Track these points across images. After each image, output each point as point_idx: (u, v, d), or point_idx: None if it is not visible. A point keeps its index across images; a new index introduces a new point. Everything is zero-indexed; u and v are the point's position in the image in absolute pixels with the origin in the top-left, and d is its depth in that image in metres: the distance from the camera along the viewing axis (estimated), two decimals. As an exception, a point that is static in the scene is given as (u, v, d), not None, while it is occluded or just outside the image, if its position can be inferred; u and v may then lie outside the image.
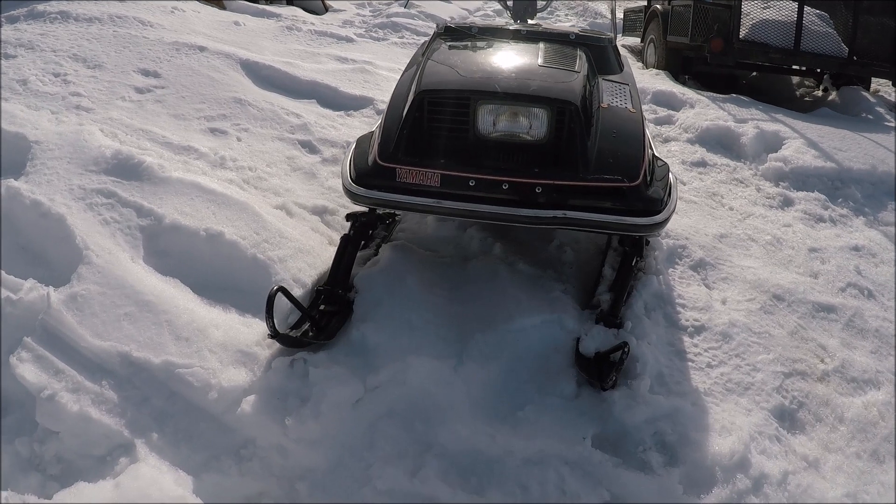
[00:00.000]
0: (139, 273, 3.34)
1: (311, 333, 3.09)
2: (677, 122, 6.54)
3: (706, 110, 6.80)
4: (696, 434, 2.83)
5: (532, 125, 3.15)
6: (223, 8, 8.82)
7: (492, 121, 3.15)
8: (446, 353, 3.06)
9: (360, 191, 3.18)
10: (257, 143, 4.91)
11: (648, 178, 3.24)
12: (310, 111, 5.62)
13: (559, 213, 3.02)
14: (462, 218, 3.15)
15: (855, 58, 7.81)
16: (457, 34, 4.28)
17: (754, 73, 9.47)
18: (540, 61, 3.61)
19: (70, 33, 6.15)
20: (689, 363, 3.27)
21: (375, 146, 3.26)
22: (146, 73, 5.58)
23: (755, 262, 4.19)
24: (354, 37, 8.69)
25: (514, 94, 3.15)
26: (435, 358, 3.01)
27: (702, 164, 5.74)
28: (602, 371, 2.98)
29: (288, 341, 2.93)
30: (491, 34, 4.27)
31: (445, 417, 2.81)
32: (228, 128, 5.00)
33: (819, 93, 9.00)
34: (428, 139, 3.19)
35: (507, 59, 3.58)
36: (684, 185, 5.31)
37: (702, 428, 2.87)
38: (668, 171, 3.52)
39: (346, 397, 2.82)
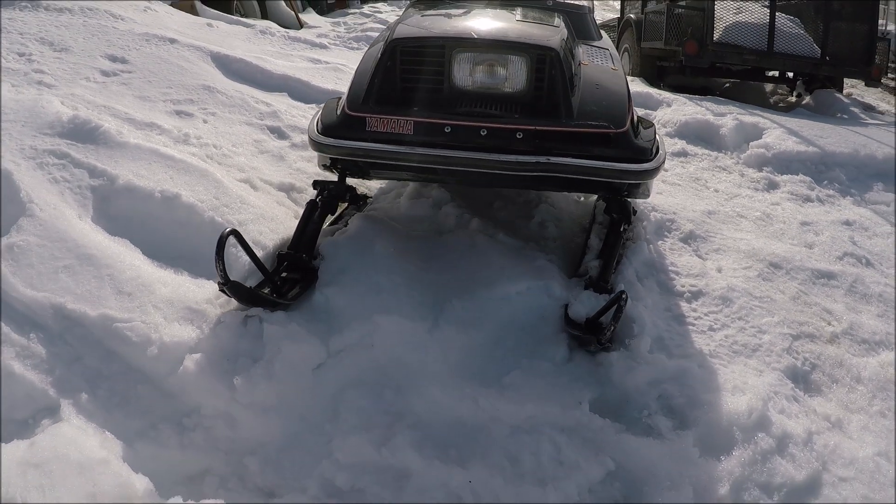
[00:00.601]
0: (85, 229, 2.97)
1: (268, 292, 2.75)
2: (655, 119, 6.35)
3: (683, 107, 6.61)
4: (706, 395, 2.52)
5: (510, 75, 2.92)
6: (196, 14, 8.58)
7: (468, 71, 2.91)
8: (419, 316, 2.73)
9: (328, 140, 2.90)
10: (224, 126, 4.59)
11: (635, 129, 3.03)
12: (280, 102, 5.32)
13: (542, 159, 2.77)
14: (437, 166, 2.86)
15: (827, 58, 7.75)
16: (431, 3, 4.08)
17: (727, 84, 9.42)
18: (518, 18, 3.45)
19: (39, 20, 5.83)
20: (690, 327, 2.98)
21: (344, 98, 3.02)
22: (114, 58, 5.26)
23: (747, 235, 3.95)
24: (328, 44, 8.45)
25: (491, 41, 2.94)
26: (406, 319, 2.67)
27: (683, 154, 5.54)
28: (597, 330, 2.67)
29: (241, 292, 2.55)
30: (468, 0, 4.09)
31: (419, 383, 2.46)
32: (195, 111, 4.68)
33: (793, 98, 8.93)
34: (401, 93, 2.94)
35: (484, 18, 3.37)
36: (666, 171, 5.09)
37: (712, 389, 2.57)
38: (655, 129, 3.31)
39: (306, 359, 2.46)
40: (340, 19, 12.19)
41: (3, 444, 2.07)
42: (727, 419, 2.41)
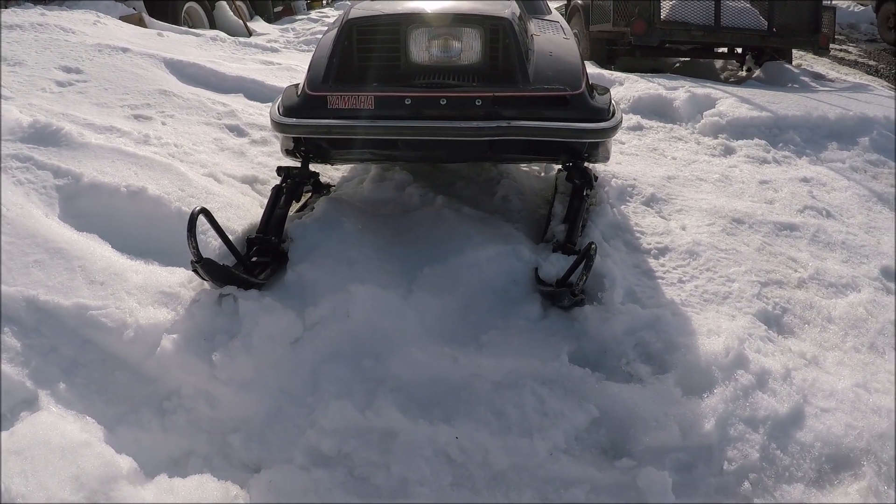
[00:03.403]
0: (53, 226, 2.92)
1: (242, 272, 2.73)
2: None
3: (636, 84, 6.67)
4: (682, 339, 2.54)
5: (465, 48, 2.96)
6: (145, 26, 8.47)
7: (424, 47, 2.95)
8: (393, 284, 2.71)
9: (289, 120, 2.91)
10: (183, 127, 4.54)
11: (590, 90, 3.07)
12: (237, 102, 5.27)
13: (503, 123, 2.79)
14: (400, 138, 2.86)
15: (775, 30, 7.88)
16: None
17: (678, 64, 9.55)
18: None
19: None
20: (660, 280, 3.01)
21: (304, 81, 3.03)
22: (68, 69, 5.17)
23: (708, 196, 3.99)
24: (279, 48, 8.39)
25: (443, 15, 2.96)
26: (380, 287, 2.65)
27: (638, 127, 5.58)
28: (567, 284, 2.67)
29: (214, 269, 2.52)
30: None
31: (398, 348, 2.44)
32: (153, 114, 4.61)
33: (743, 73, 9.07)
34: (359, 72, 2.97)
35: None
36: (623, 143, 5.14)
37: (687, 333, 2.59)
38: (610, 94, 3.35)
39: (283, 332, 2.43)
40: (289, 25, 12.11)
41: None
42: (705, 360, 2.43)
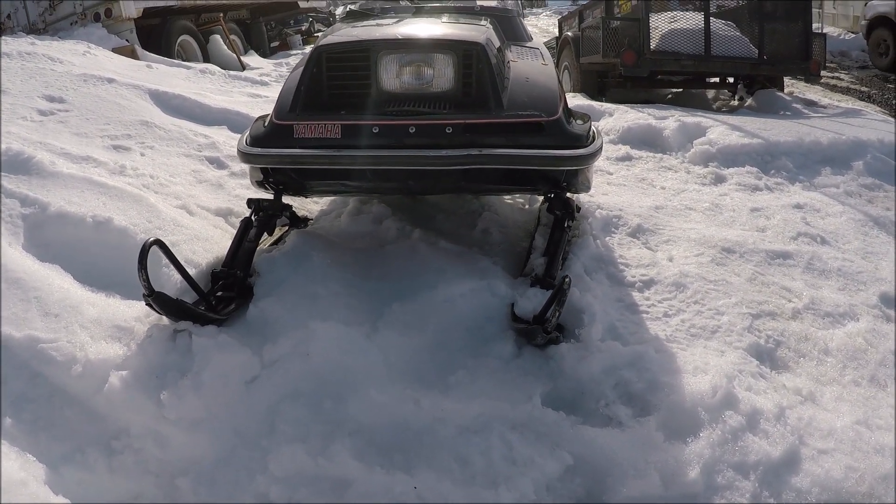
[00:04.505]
0: (14, 255, 2.81)
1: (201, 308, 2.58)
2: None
3: (625, 115, 6.56)
4: (666, 378, 2.36)
5: (437, 75, 2.85)
6: (136, 58, 8.44)
7: (395, 73, 2.85)
8: (357, 321, 2.56)
9: (254, 150, 2.81)
10: (162, 158, 4.43)
11: (567, 117, 2.95)
12: (220, 134, 5.16)
13: (474, 151, 2.65)
14: (367, 167, 2.74)
15: (765, 58, 7.81)
16: (359, 16, 4.04)
17: (670, 95, 9.48)
18: (443, 21, 3.48)
19: None
20: (644, 314, 2.84)
21: (272, 110, 2.93)
22: (51, 98, 5.10)
23: (697, 225, 3.84)
24: (269, 82, 8.30)
25: (415, 41, 2.90)
26: (343, 324, 2.49)
27: (627, 158, 5.45)
28: (542, 320, 2.50)
29: (167, 304, 2.38)
30: (395, 11, 4.07)
31: (358, 389, 2.27)
32: (132, 145, 4.52)
33: (735, 102, 8.98)
34: (328, 100, 2.87)
35: (410, 24, 3.34)
36: (611, 174, 5.00)
37: (672, 371, 2.42)
38: (590, 120, 3.23)
39: (237, 371, 2.29)
40: (283, 60, 12.07)
41: None
42: (690, 400, 2.25)
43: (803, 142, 5.41)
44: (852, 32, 14.56)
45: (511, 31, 3.95)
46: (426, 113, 2.74)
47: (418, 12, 4.05)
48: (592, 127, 3.15)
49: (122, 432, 2.22)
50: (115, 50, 8.30)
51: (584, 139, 2.86)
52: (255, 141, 2.86)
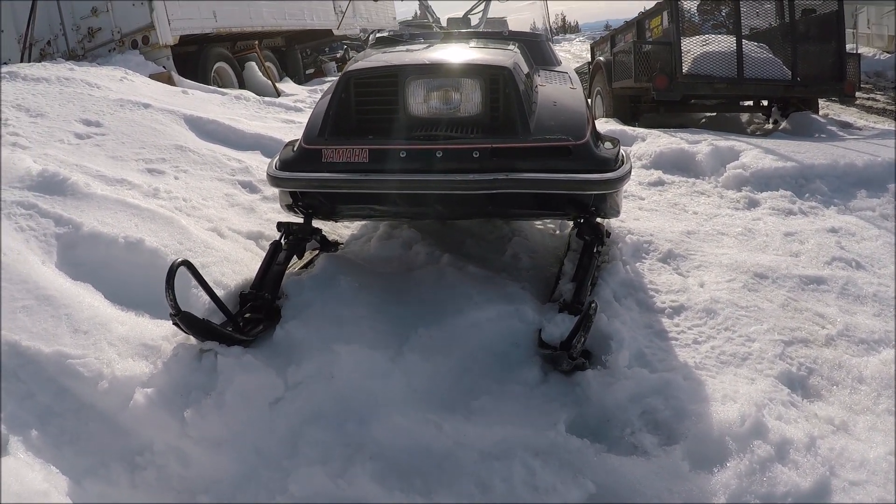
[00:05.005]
0: (47, 273, 2.90)
1: (229, 329, 2.61)
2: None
3: (658, 140, 6.55)
4: (694, 406, 2.32)
5: (465, 100, 2.87)
6: (173, 84, 8.65)
7: (422, 98, 2.87)
8: (382, 345, 2.56)
9: (283, 174, 2.85)
10: (195, 182, 4.52)
11: (595, 141, 2.94)
12: (253, 159, 5.25)
13: (501, 176, 2.65)
14: (395, 192, 2.76)
15: (799, 79, 7.72)
16: (389, 42, 4.10)
17: (703, 119, 9.43)
18: (471, 46, 3.49)
19: (16, 89, 5.87)
20: (673, 341, 2.80)
21: (301, 135, 2.98)
22: (88, 122, 5.25)
23: (729, 250, 3.79)
24: (304, 108, 8.42)
25: (443, 66, 2.91)
26: (368, 348, 2.50)
27: (660, 183, 5.43)
28: (568, 346, 2.49)
29: (194, 323, 2.42)
30: (424, 37, 4.12)
31: (381, 413, 2.27)
32: (167, 169, 4.62)
33: (769, 126, 8.90)
34: (356, 124, 2.90)
35: (439, 50, 3.37)
36: (642, 199, 4.97)
37: (700, 399, 2.37)
38: (619, 144, 3.22)
39: (261, 391, 2.31)
40: (318, 87, 12.24)
41: None
42: (718, 429, 2.21)
43: (838, 164, 5.33)
44: (887, 52, 14.37)
45: (539, 55, 3.98)
46: (453, 137, 2.75)
47: (447, 38, 4.10)
48: (621, 151, 3.12)
49: (145, 448, 2.25)
50: (153, 76, 8.51)
51: (612, 163, 2.84)
52: (284, 165, 2.90)
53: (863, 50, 13.14)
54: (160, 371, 2.42)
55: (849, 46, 8.62)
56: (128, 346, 2.56)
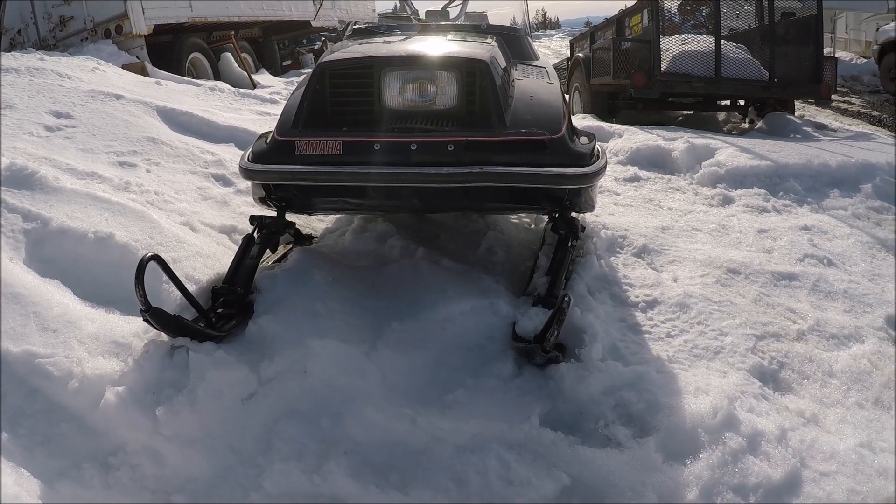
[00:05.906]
0: (15, 270, 2.81)
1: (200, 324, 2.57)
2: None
3: (635, 136, 6.58)
4: (667, 399, 2.33)
5: (441, 92, 2.84)
6: (147, 75, 8.52)
7: (398, 91, 2.83)
8: (356, 339, 2.54)
9: (255, 167, 2.79)
10: (167, 175, 4.45)
11: (571, 135, 2.94)
12: (226, 151, 5.18)
13: (475, 169, 2.63)
14: (367, 184, 2.72)
15: (776, 80, 7.79)
16: (365, 33, 4.07)
17: (680, 118, 9.48)
18: (448, 39, 3.46)
19: None
20: (646, 335, 2.81)
21: (275, 127, 2.93)
22: (58, 114, 5.14)
23: (703, 246, 3.82)
24: (279, 99, 8.33)
25: (419, 58, 2.88)
26: (342, 342, 2.47)
27: (635, 178, 5.45)
28: (541, 339, 2.49)
29: (164, 319, 2.37)
30: (401, 29, 4.08)
31: (355, 408, 2.25)
32: (138, 161, 4.54)
33: (745, 125, 8.97)
34: (331, 116, 2.85)
35: (415, 42, 3.35)
36: (618, 194, 4.99)
37: (672, 392, 2.39)
38: (595, 139, 3.22)
39: (233, 387, 2.27)
40: (294, 78, 12.12)
41: None
42: (691, 421, 2.22)
43: (812, 164, 5.39)
44: (864, 57, 14.59)
45: (518, 49, 3.96)
46: (429, 130, 2.73)
47: (424, 30, 4.08)
48: (597, 146, 3.13)
49: (118, 448, 2.20)
50: (126, 67, 8.39)
51: (587, 158, 2.84)
52: (257, 157, 2.85)
53: (840, 54, 13.30)
54: (131, 369, 2.37)
55: (827, 50, 8.70)
56: (98, 343, 2.50)
